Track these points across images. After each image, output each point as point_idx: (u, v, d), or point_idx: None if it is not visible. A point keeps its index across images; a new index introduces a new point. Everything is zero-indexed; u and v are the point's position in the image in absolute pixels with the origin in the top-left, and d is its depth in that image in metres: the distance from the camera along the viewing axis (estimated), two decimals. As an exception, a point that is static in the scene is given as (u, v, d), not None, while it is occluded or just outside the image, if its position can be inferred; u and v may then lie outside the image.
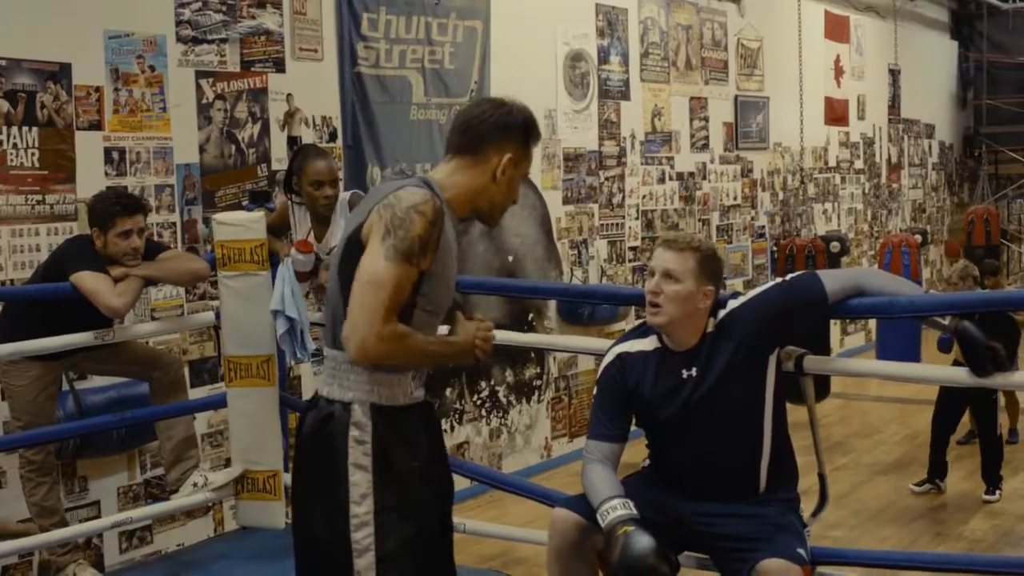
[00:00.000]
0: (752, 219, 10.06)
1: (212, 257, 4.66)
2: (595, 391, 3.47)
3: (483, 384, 6.99)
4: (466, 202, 2.65)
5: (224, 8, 5.41)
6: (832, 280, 3.26)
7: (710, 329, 3.29)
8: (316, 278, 4.62)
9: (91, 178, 4.89)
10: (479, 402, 6.94)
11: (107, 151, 4.97)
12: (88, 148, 4.91)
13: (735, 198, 9.80)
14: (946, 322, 3.22)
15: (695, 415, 3.28)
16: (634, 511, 3.12)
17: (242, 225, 4.48)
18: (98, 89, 4.94)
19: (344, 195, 4.70)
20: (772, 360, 3.29)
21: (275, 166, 5.67)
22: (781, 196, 10.59)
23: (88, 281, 4.25)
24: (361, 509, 2.51)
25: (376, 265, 2.43)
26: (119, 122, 5.00)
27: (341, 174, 5.97)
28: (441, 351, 2.66)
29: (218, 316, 4.69)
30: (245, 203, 5.05)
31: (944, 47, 14.89)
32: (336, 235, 4.59)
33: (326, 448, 2.55)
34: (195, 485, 4.55)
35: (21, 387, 4.42)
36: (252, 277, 4.46)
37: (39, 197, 4.76)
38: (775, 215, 10.48)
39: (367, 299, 2.42)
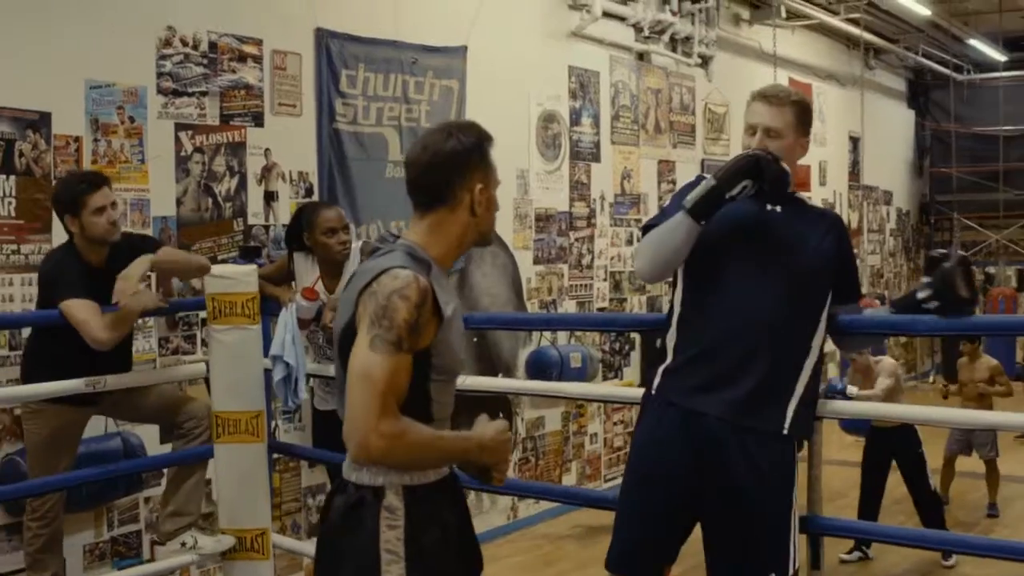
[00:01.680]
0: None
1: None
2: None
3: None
4: (455, 248, 2.58)
5: (205, 61, 5.39)
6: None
7: (799, 193, 3.36)
8: (317, 324, 4.57)
9: (67, 229, 4.83)
10: (448, 461, 6.87)
11: (84, 202, 4.90)
12: (65, 198, 4.84)
13: (701, 260, 9.83)
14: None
15: (768, 249, 3.23)
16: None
17: (234, 278, 4.42)
18: (77, 139, 4.89)
19: (356, 244, 4.72)
20: (830, 289, 3.29)
21: (251, 220, 5.63)
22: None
23: (76, 311, 4.11)
24: None
25: (365, 359, 2.34)
26: (98, 173, 4.95)
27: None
28: (456, 449, 2.51)
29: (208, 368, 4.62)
30: (235, 257, 5.01)
31: (902, 116, 15.18)
32: None
33: (356, 535, 2.45)
34: (183, 544, 4.43)
35: (40, 433, 4.31)
36: (243, 331, 4.39)
37: (14, 247, 4.68)
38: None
39: (361, 395, 2.33)
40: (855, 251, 3.53)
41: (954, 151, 14.95)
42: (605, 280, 8.44)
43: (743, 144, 3.32)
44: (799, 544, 3.29)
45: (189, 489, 4.52)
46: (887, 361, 6.98)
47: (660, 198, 9.16)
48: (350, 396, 2.35)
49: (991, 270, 15.40)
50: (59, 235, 4.77)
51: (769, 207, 3.26)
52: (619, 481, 8.28)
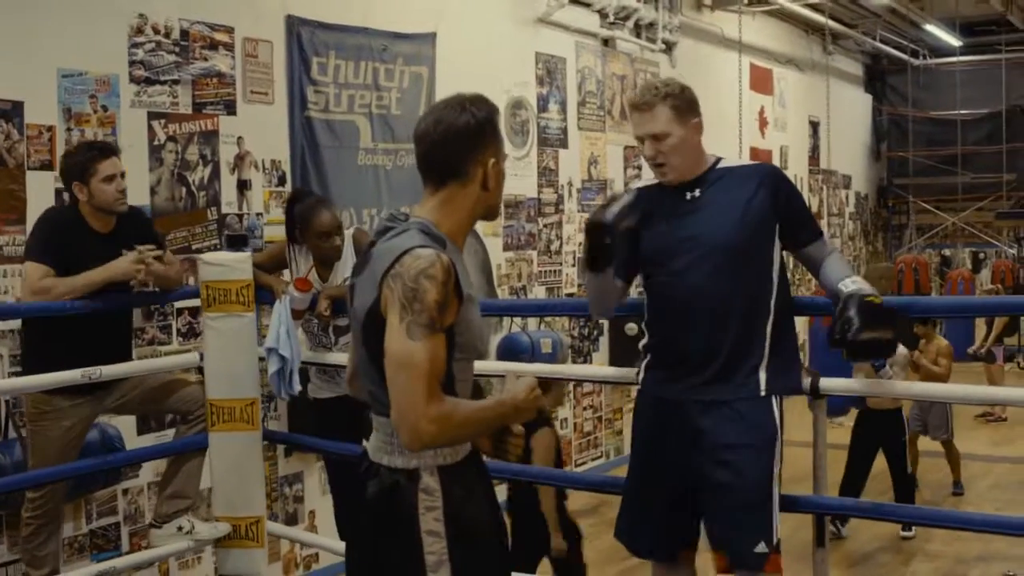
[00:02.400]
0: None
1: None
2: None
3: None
4: (467, 223, 2.55)
5: (177, 49, 5.34)
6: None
7: (713, 163, 3.38)
8: (312, 312, 4.54)
9: (41, 220, 4.77)
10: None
11: (58, 192, 4.82)
12: (39, 189, 4.77)
13: (666, 246, 9.89)
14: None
15: (691, 235, 3.29)
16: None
17: (228, 265, 4.36)
18: (50, 128, 4.83)
19: (348, 231, 4.68)
20: (776, 242, 3.34)
21: (225, 209, 5.59)
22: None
23: (28, 270, 4.16)
24: None
25: (403, 347, 2.30)
26: (71, 163, 4.89)
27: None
28: (495, 416, 2.48)
29: (202, 357, 4.56)
30: (220, 247, 4.97)
31: (859, 100, 15.32)
32: (343, 272, 4.56)
33: (394, 519, 2.43)
34: (180, 529, 4.39)
35: (48, 428, 4.25)
36: (238, 318, 4.33)
37: (-12, 238, 4.63)
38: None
39: (405, 384, 2.30)
40: (801, 195, 3.57)
41: (911, 135, 15.14)
42: (573, 266, 8.46)
43: (642, 154, 3.41)
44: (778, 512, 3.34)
45: (189, 472, 4.48)
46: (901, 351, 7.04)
47: (626, 183, 9.19)
48: (394, 387, 2.32)
49: (947, 252, 15.62)
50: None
51: (688, 195, 3.35)
52: (589, 466, 8.38)
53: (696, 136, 3.34)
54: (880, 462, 6.98)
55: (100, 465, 4.49)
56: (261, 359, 4.47)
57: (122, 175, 4.29)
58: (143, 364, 4.65)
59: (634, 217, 3.24)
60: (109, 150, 4.32)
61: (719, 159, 3.42)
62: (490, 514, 2.56)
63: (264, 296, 4.51)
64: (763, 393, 3.29)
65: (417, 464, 2.43)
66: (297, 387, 4.45)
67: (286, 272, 4.76)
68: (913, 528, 6.69)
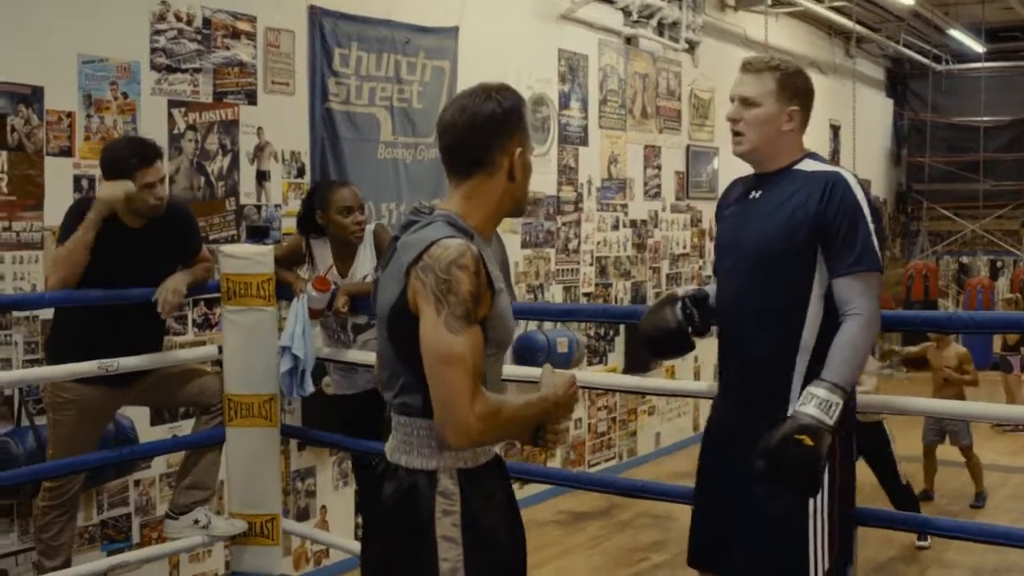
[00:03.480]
0: (700, 268, 10.11)
1: None
2: None
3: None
4: (494, 217, 2.47)
5: (199, 37, 5.29)
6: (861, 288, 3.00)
7: (799, 164, 3.12)
8: (330, 310, 4.47)
9: (60, 206, 4.69)
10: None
11: (76, 179, 4.80)
12: (57, 175, 4.73)
13: (684, 247, 9.84)
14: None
15: (739, 240, 3.13)
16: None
17: (250, 258, 4.29)
18: (70, 115, 4.78)
19: (369, 227, 4.61)
20: (820, 262, 3.02)
21: (243, 200, 5.54)
22: (727, 246, 10.68)
23: (57, 251, 4.15)
24: None
25: (443, 342, 2.23)
26: (90, 149, 4.83)
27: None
28: (536, 412, 2.41)
29: (221, 350, 4.52)
30: (238, 237, 4.91)
31: (880, 105, 15.21)
32: (362, 268, 4.50)
33: (410, 522, 2.37)
34: (196, 522, 4.34)
35: (69, 417, 4.20)
36: (258, 312, 4.27)
37: (6, 224, 4.56)
38: (721, 265, 10.55)
39: (448, 381, 2.23)
40: (864, 212, 3.01)
41: (928, 140, 15.03)
42: (591, 265, 8.40)
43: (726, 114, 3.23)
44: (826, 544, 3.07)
45: (208, 463, 4.43)
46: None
47: (645, 184, 9.14)
48: (437, 383, 2.25)
49: (965, 260, 15.50)
50: (51, 212, 4.69)
51: (752, 194, 3.17)
52: (603, 467, 8.32)
53: (787, 124, 3.11)
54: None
55: (121, 456, 4.45)
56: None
57: (162, 181, 4.23)
58: (161, 356, 4.57)
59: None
60: (151, 155, 4.25)
61: (804, 157, 3.16)
62: (509, 523, 2.49)
63: (282, 291, 4.44)
64: None
65: (436, 466, 2.37)
66: (310, 387, 4.37)
67: (303, 269, 4.70)
68: (929, 538, 6.60)
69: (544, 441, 2.49)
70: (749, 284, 3.09)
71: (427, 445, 2.36)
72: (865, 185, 3.16)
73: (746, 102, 3.12)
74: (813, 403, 2.86)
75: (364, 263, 4.50)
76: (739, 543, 3.11)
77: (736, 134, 3.15)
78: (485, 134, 2.40)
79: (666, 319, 3.16)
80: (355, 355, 4.40)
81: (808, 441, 2.80)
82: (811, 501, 3.00)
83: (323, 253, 4.62)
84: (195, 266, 4.41)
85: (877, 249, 3.01)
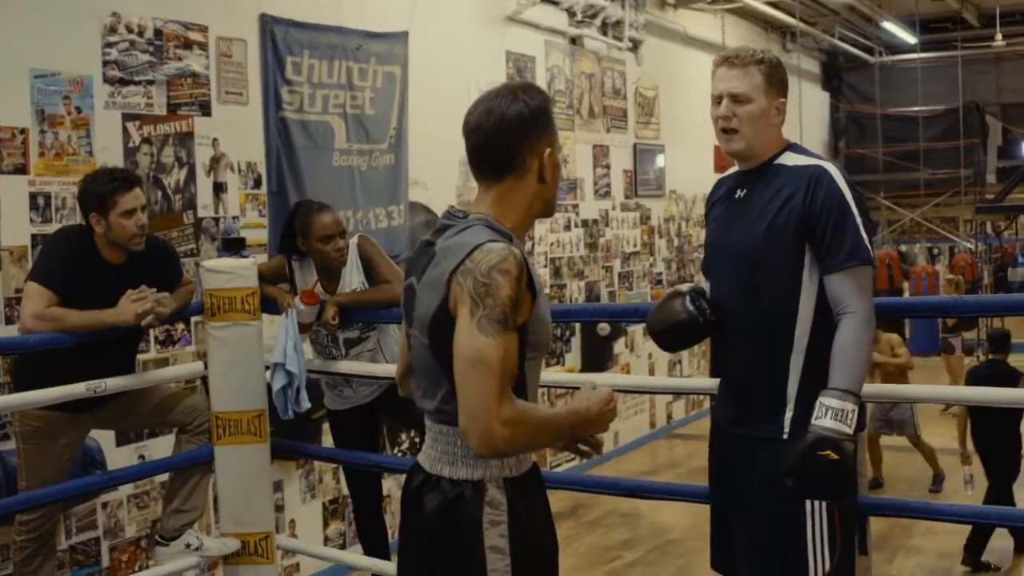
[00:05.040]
0: (651, 266, 10.15)
1: None
2: None
3: (403, 436, 6.82)
4: (527, 219, 2.42)
5: (151, 49, 5.20)
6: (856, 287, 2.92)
7: (780, 157, 3.04)
8: (319, 322, 4.37)
9: (15, 225, 4.62)
10: (400, 454, 6.77)
11: (32, 196, 4.69)
12: (13, 193, 4.62)
13: (635, 245, 9.87)
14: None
15: (726, 242, 3.08)
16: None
17: (233, 272, 4.18)
18: (23, 131, 4.66)
19: (352, 240, 4.51)
20: (809, 260, 2.94)
21: (201, 213, 5.45)
22: (676, 243, 10.73)
23: (30, 291, 3.92)
24: None
25: (475, 344, 2.17)
26: (45, 166, 4.73)
27: (266, 221, 5.81)
28: (567, 425, 2.35)
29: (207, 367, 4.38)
30: (220, 251, 4.81)
31: (817, 98, 15.38)
32: (349, 284, 4.41)
33: (457, 534, 2.31)
34: (188, 546, 4.23)
35: (43, 446, 4.04)
36: (243, 327, 4.15)
37: (-39, 245, 4.46)
38: (671, 261, 10.60)
39: (477, 384, 2.16)
40: (850, 205, 2.93)
41: (867, 131, 15.24)
42: (545, 266, 8.39)
43: (711, 114, 3.11)
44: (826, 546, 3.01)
45: (195, 486, 4.31)
46: None
47: (595, 183, 9.15)
48: (463, 386, 2.19)
49: (904, 249, 15.72)
50: (7, 232, 4.59)
51: (737, 192, 3.10)
52: (566, 467, 8.31)
53: (776, 117, 3.04)
54: None
55: (108, 482, 4.35)
56: (268, 368, 4.32)
57: (143, 208, 4.07)
58: (146, 376, 4.46)
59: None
60: (131, 181, 4.08)
61: (786, 149, 3.07)
62: (551, 530, 2.46)
63: (266, 306, 4.35)
64: (785, 436, 2.95)
65: (483, 475, 2.32)
66: (306, 403, 4.27)
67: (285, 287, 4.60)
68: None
69: (583, 452, 2.47)
70: (738, 285, 3.05)
71: (471, 455, 2.31)
72: (848, 175, 3.10)
73: (737, 99, 3.03)
74: (828, 415, 2.82)
75: (352, 278, 4.42)
76: (741, 547, 3.09)
77: (728, 131, 3.06)
78: (514, 136, 2.34)
79: (676, 311, 3.12)
80: (346, 366, 4.33)
81: (832, 455, 2.78)
82: (808, 504, 2.97)
83: (307, 270, 4.52)
84: (180, 289, 4.29)
85: (867, 242, 2.93)
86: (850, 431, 2.82)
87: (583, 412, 2.36)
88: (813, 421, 2.84)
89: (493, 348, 2.17)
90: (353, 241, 4.51)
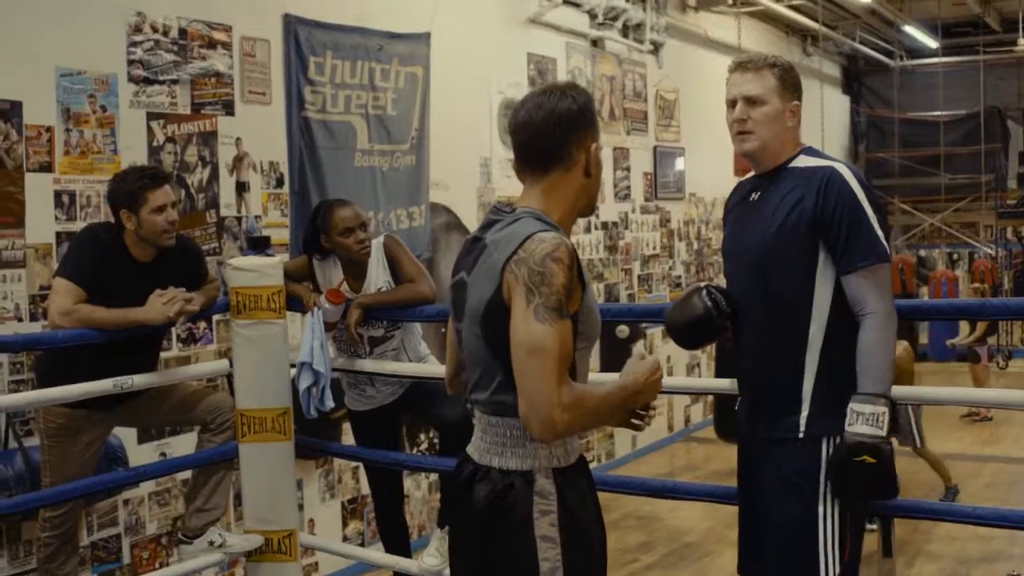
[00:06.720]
0: (670, 269, 10.14)
1: None
2: None
3: (422, 436, 6.83)
4: (572, 213, 2.48)
5: (176, 48, 5.22)
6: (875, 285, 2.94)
7: (795, 160, 3.07)
8: (343, 322, 4.37)
9: (41, 223, 4.64)
10: (418, 454, 6.77)
11: (57, 194, 4.71)
12: (38, 191, 4.65)
13: (655, 248, 9.86)
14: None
15: (740, 243, 3.12)
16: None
17: (258, 271, 4.18)
18: (49, 129, 4.69)
19: (378, 240, 4.51)
20: (823, 261, 2.97)
21: (224, 212, 5.48)
22: (695, 246, 10.72)
23: (57, 287, 3.92)
24: None
25: (532, 331, 2.22)
26: (70, 164, 4.76)
27: (288, 221, 5.83)
28: (620, 401, 2.38)
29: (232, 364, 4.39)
30: (244, 250, 4.81)
31: (837, 101, 15.34)
32: (375, 282, 4.41)
33: (508, 524, 2.34)
34: (211, 543, 4.24)
35: (67, 443, 4.07)
36: (268, 326, 4.15)
37: (-14, 242, 4.48)
38: (690, 264, 10.59)
39: (536, 370, 2.21)
40: (862, 204, 2.95)
41: (887, 135, 15.18)
42: (565, 268, 8.38)
43: (727, 119, 3.15)
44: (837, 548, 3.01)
45: (216, 484, 4.32)
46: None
47: (615, 185, 9.15)
48: (523, 373, 2.23)
49: (923, 253, 15.67)
50: (33, 230, 4.61)
51: (753, 195, 3.15)
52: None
53: (790, 120, 3.08)
54: None
55: (136, 477, 4.37)
56: (292, 366, 4.32)
57: (173, 205, 4.10)
58: (171, 373, 4.48)
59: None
60: (161, 178, 4.12)
61: (800, 152, 3.10)
62: (599, 520, 2.49)
63: (291, 304, 4.35)
64: (801, 435, 2.97)
65: (532, 465, 2.36)
66: (330, 403, 4.28)
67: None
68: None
69: (635, 425, 2.50)
70: (752, 287, 3.08)
71: (521, 445, 2.36)
72: (862, 175, 3.11)
73: (752, 101, 3.08)
74: (860, 421, 2.86)
75: (376, 278, 4.42)
76: (759, 550, 3.12)
77: (743, 132, 3.10)
78: (563, 130, 2.42)
79: (694, 307, 3.14)
80: (370, 364, 4.33)
81: (869, 459, 2.83)
82: (820, 507, 2.98)
83: (330, 273, 4.50)
84: (207, 286, 4.31)
85: (883, 239, 2.96)
86: (884, 433, 2.85)
87: (631, 385, 2.40)
88: (847, 428, 2.88)
89: (550, 335, 2.22)
90: (379, 240, 4.50)
